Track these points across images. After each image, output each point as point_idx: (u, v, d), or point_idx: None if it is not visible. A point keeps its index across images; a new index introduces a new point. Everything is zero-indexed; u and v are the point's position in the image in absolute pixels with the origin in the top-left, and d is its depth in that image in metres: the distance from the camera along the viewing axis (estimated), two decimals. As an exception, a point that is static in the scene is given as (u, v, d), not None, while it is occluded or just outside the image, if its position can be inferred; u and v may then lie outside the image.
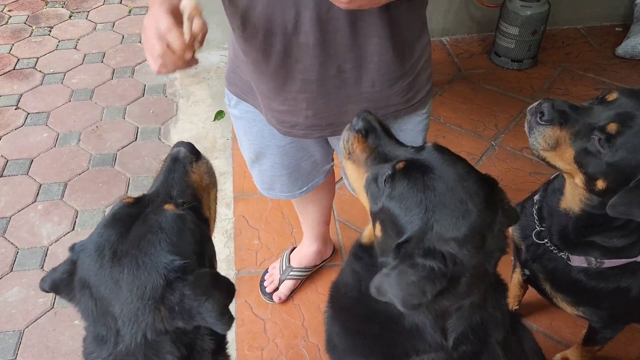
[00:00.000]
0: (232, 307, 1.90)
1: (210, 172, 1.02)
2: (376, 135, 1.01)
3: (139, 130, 2.72)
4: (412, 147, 0.99)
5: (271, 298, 1.93)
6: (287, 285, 1.95)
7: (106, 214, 0.88)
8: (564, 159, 1.14)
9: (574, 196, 1.22)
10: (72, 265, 0.87)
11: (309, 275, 2.00)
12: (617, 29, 3.31)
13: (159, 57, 0.94)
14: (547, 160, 1.17)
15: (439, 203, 0.87)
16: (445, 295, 0.88)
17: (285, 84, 1.22)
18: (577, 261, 1.27)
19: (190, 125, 2.74)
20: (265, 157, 1.50)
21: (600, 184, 1.11)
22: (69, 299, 0.89)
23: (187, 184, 0.96)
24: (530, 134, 1.16)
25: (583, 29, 3.32)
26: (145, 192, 0.97)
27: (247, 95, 1.37)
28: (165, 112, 2.83)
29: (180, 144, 1.00)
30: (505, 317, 1.05)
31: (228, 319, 0.81)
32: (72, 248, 0.90)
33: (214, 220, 1.05)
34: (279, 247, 2.10)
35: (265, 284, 1.96)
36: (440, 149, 0.95)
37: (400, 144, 1.01)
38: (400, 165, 0.93)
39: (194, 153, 1.00)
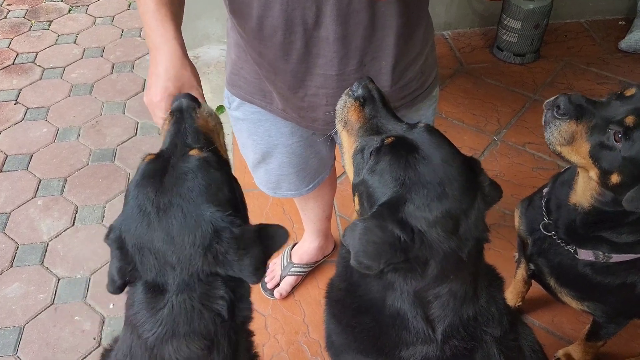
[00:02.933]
0: (233, 303, 1.90)
1: (214, 115, 1.04)
2: (374, 106, 1.00)
3: (139, 125, 2.71)
4: (406, 124, 0.98)
5: (272, 294, 1.92)
6: (288, 282, 1.94)
7: (131, 190, 0.89)
8: (579, 154, 1.13)
9: (585, 191, 1.21)
10: (119, 248, 0.88)
11: (310, 271, 1.99)
12: (620, 22, 3.28)
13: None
14: (562, 154, 1.16)
15: (417, 182, 0.87)
16: (413, 275, 0.89)
17: (304, 81, 1.21)
18: (585, 255, 1.26)
19: (191, 120, 2.72)
20: (272, 157, 1.48)
21: (615, 179, 1.10)
22: (136, 277, 0.88)
23: (198, 130, 0.98)
24: (546, 128, 1.16)
25: (586, 22, 3.30)
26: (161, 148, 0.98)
27: (254, 96, 1.35)
28: (165, 107, 2.82)
29: (179, 96, 1.02)
30: (501, 313, 1.02)
31: (261, 274, 0.86)
32: (108, 234, 0.90)
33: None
34: (279, 243, 2.09)
35: (266, 279, 1.95)
36: (430, 130, 0.95)
37: (396, 118, 1.01)
38: (389, 140, 0.93)
39: (194, 100, 1.02)
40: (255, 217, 2.20)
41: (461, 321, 0.97)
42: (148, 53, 3.20)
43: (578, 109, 1.11)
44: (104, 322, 1.90)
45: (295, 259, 1.96)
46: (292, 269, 1.95)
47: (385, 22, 1.12)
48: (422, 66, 1.29)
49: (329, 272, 2.00)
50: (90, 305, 1.95)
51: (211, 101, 2.80)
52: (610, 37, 3.17)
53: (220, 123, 1.07)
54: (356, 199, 0.97)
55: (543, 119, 1.18)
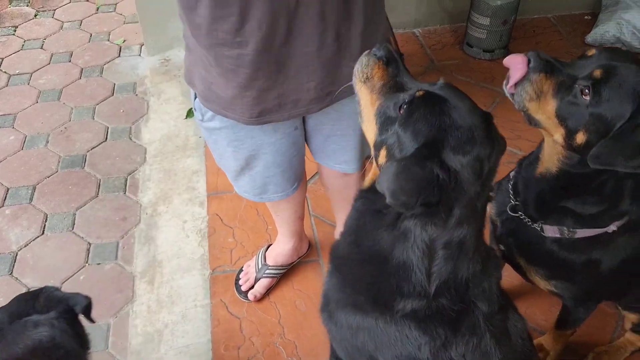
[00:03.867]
0: (207, 307, 1.89)
1: None
2: (397, 65, 1.04)
3: (109, 130, 2.67)
4: (426, 83, 1.03)
5: (247, 297, 1.91)
6: (262, 284, 1.93)
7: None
8: (545, 112, 1.14)
9: (551, 156, 1.22)
10: None
11: (285, 272, 1.98)
12: (586, 17, 3.34)
13: None
14: (529, 112, 1.16)
15: (452, 126, 0.92)
16: (436, 218, 0.92)
17: (286, 64, 1.22)
18: (550, 231, 1.28)
19: (162, 123, 2.70)
20: (257, 159, 1.46)
21: (580, 138, 1.11)
22: None
23: None
24: (517, 86, 1.15)
25: (553, 18, 3.35)
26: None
27: (227, 110, 1.31)
28: (136, 111, 2.78)
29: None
30: (492, 291, 1.05)
31: None
32: None
33: None
34: (253, 245, 2.08)
35: (240, 282, 1.94)
36: (451, 85, 1.00)
37: (414, 78, 1.06)
38: (420, 93, 0.97)
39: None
40: (229, 219, 2.19)
41: (455, 281, 1.00)
42: (117, 57, 3.17)
43: (547, 64, 1.12)
44: (76, 331, 1.86)
45: (269, 261, 1.95)
46: (267, 271, 1.94)
47: None
48: (381, 29, 1.34)
49: (304, 273, 2.00)
50: (61, 314, 1.91)
51: (182, 104, 2.79)
52: (577, 32, 3.22)
53: None
54: (384, 152, 0.99)
55: (505, 81, 1.18)
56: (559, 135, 1.14)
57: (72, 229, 2.20)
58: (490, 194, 1.00)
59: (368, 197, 1.08)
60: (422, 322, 1.03)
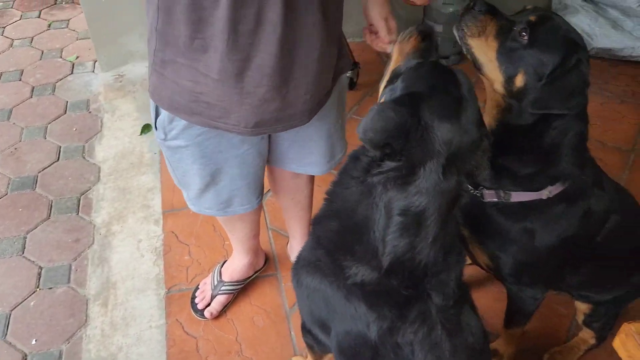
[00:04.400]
0: (162, 328, 1.85)
1: None
2: (430, 42, 1.14)
3: (62, 149, 2.61)
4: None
5: (203, 315, 1.88)
6: (219, 301, 1.90)
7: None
8: (487, 54, 1.23)
9: (492, 109, 1.29)
10: None
11: (242, 288, 1.95)
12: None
13: None
14: (473, 50, 1.25)
15: (442, 91, 0.98)
16: (396, 178, 0.94)
17: (289, 76, 1.21)
18: (489, 196, 1.31)
19: (116, 140, 2.65)
20: (222, 173, 1.44)
21: (519, 81, 1.20)
22: None
23: None
24: (460, 20, 1.27)
25: (506, 23, 3.41)
26: None
27: (219, 120, 1.26)
28: (90, 129, 2.73)
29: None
30: (450, 284, 1.06)
31: None
32: None
33: None
34: (210, 262, 2.05)
35: (196, 300, 1.91)
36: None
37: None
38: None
39: None
40: (185, 236, 2.16)
41: (412, 264, 1.00)
42: (70, 74, 3.11)
43: (492, 8, 1.25)
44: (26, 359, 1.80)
45: (225, 277, 1.92)
46: (223, 288, 1.91)
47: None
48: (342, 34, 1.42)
49: (262, 288, 1.98)
50: (10, 343, 1.85)
51: (137, 120, 2.75)
52: (529, 36, 3.28)
53: None
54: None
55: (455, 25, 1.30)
56: (499, 83, 1.23)
57: (22, 253, 2.14)
58: (464, 192, 1.02)
59: (355, 150, 1.10)
60: (369, 296, 1.03)
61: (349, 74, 2.82)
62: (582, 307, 1.60)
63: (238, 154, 1.40)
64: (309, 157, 1.55)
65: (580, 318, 1.64)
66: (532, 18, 1.19)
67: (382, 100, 1.06)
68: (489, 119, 1.29)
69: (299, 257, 1.20)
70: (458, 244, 1.12)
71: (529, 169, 1.26)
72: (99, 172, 2.49)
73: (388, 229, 0.98)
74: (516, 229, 1.32)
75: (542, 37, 1.17)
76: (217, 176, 1.44)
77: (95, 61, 3.13)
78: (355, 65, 2.79)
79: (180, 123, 1.31)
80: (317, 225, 1.15)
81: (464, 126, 0.97)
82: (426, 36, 1.14)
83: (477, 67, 1.27)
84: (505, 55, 1.20)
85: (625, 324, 0.88)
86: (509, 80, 1.21)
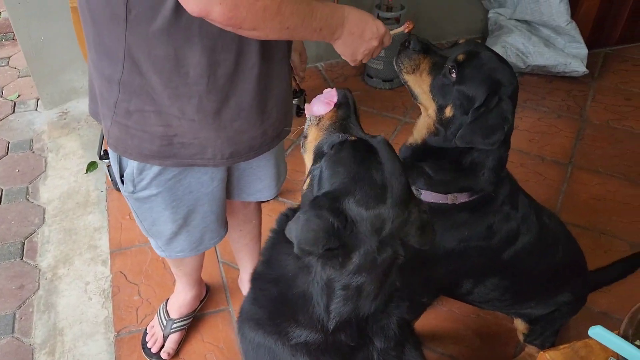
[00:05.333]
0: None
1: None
2: (347, 110, 1.15)
3: (4, 192, 2.54)
4: (368, 134, 1.10)
5: (160, 357, 1.84)
6: (173, 339, 1.87)
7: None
8: (421, 87, 1.35)
9: (422, 129, 1.40)
10: None
11: (192, 324, 1.93)
12: (477, 41, 3.53)
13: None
14: (409, 84, 1.38)
15: (364, 180, 0.97)
16: (334, 261, 0.97)
17: (264, 107, 1.24)
18: None
19: (61, 180, 2.59)
20: (195, 213, 1.42)
21: (449, 112, 1.32)
22: None
23: None
24: (397, 57, 1.38)
25: (447, 43, 3.52)
26: None
27: (195, 158, 1.25)
28: (33, 170, 2.67)
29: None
30: (391, 327, 1.08)
31: None
32: None
33: None
34: (160, 301, 2.02)
35: (148, 345, 1.86)
36: (388, 143, 1.05)
37: (361, 127, 1.16)
38: (353, 138, 1.06)
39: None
40: (134, 276, 2.12)
41: (357, 319, 1.03)
42: (11, 113, 3.04)
43: (425, 46, 1.36)
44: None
45: (174, 315, 1.90)
46: (175, 325, 1.89)
47: None
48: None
49: (214, 324, 1.96)
50: (-49, 401, 1.77)
51: (82, 158, 2.70)
52: (469, 56, 3.40)
53: None
54: (308, 180, 1.06)
55: (395, 58, 1.39)
56: (432, 110, 1.35)
57: (-37, 305, 2.06)
58: (399, 256, 1.03)
59: (286, 218, 1.11)
60: (315, 352, 1.05)
61: (295, 101, 2.85)
62: (520, 327, 1.66)
63: (208, 191, 1.39)
64: (259, 184, 1.56)
65: (520, 337, 1.70)
66: (460, 57, 1.30)
67: (307, 181, 1.06)
68: (417, 136, 1.41)
69: (242, 310, 1.18)
70: (398, 291, 1.13)
71: (443, 176, 1.38)
72: (44, 213, 2.43)
73: (331, 300, 1.01)
74: None
75: (469, 75, 1.28)
76: (190, 217, 1.43)
77: (38, 99, 3.06)
78: (301, 92, 2.83)
79: (151, 171, 1.28)
80: (256, 281, 1.15)
81: (391, 210, 0.98)
82: (341, 105, 1.14)
83: (413, 96, 1.40)
84: (437, 89, 1.32)
85: (541, 352, 0.92)
86: (440, 109, 1.34)
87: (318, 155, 1.08)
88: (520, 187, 1.48)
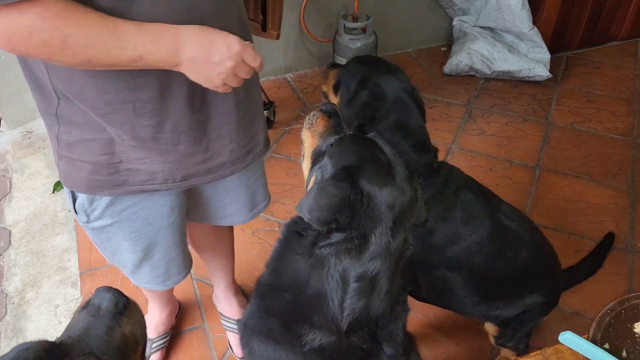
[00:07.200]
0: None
1: (142, 323, 0.92)
2: (338, 119, 1.22)
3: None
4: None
5: (138, 379, 1.80)
6: (155, 359, 1.85)
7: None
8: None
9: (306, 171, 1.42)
10: None
11: (169, 345, 1.90)
12: (442, 49, 3.59)
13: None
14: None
15: (371, 158, 1.02)
16: (350, 246, 0.96)
17: (207, 127, 1.18)
18: None
19: (27, 201, 2.53)
20: (157, 245, 1.37)
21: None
22: None
23: (112, 344, 0.84)
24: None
25: (414, 52, 3.57)
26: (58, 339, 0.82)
27: (145, 184, 1.21)
28: (-3, 191, 2.60)
29: (102, 290, 0.88)
30: (398, 333, 1.08)
31: None
32: None
33: None
34: (133, 321, 1.98)
35: (125, 368, 1.83)
36: (380, 136, 1.14)
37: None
38: (350, 133, 1.13)
39: (122, 299, 0.89)
40: (106, 296, 2.07)
41: (367, 319, 1.02)
42: (-27, 134, 2.96)
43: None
44: None
45: (152, 335, 1.86)
46: (154, 345, 1.86)
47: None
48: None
49: (189, 342, 1.94)
50: None
51: (49, 177, 2.64)
52: (436, 63, 3.45)
53: (145, 332, 0.93)
54: (312, 180, 1.09)
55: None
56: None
57: None
58: (409, 246, 1.05)
59: (293, 223, 1.10)
60: (329, 359, 1.03)
61: (265, 113, 2.85)
62: (490, 330, 1.67)
63: (169, 223, 1.35)
64: (229, 208, 1.52)
65: (491, 340, 1.71)
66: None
67: (311, 180, 1.10)
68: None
69: (246, 327, 1.15)
70: (403, 294, 1.15)
71: None
72: (10, 236, 2.36)
73: (345, 295, 0.99)
74: None
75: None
76: (151, 249, 1.38)
77: (1, 119, 2.99)
78: (271, 104, 2.83)
79: (102, 201, 1.24)
80: (263, 292, 1.13)
81: (401, 187, 1.02)
82: (332, 114, 1.20)
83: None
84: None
85: None
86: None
87: (317, 156, 1.11)
88: (470, 185, 1.53)
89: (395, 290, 1.07)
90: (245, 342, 1.15)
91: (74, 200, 1.27)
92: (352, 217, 0.95)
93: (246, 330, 1.15)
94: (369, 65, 1.57)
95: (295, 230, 1.06)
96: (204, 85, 1.05)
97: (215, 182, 1.33)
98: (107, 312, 0.86)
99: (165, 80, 1.06)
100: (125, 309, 0.89)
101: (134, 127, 1.10)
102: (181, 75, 1.04)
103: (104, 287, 0.90)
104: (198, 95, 1.12)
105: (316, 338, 1.02)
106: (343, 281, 0.98)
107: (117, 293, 0.90)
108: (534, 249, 1.54)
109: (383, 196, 0.97)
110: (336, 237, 0.97)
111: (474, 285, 1.52)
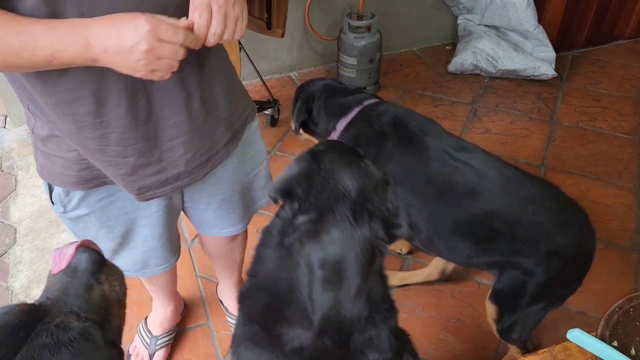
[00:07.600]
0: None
1: (122, 279, 0.89)
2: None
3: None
4: None
5: (148, 376, 1.80)
6: (160, 356, 1.85)
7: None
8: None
9: None
10: None
11: (174, 342, 1.90)
12: (447, 47, 3.58)
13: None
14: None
15: (338, 146, 1.12)
16: (309, 229, 0.95)
17: (157, 138, 1.14)
18: None
19: (32, 198, 2.53)
20: (134, 233, 1.37)
21: None
22: None
23: (92, 302, 0.81)
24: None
25: (418, 50, 3.56)
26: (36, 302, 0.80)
27: (112, 183, 1.23)
28: (3, 188, 2.60)
29: (78, 251, 0.84)
30: (382, 339, 1.04)
31: None
32: None
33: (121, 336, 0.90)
34: (139, 319, 1.98)
35: (134, 367, 1.83)
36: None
37: None
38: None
39: (100, 259, 0.86)
40: (111, 293, 2.07)
41: (338, 319, 0.98)
42: (-21, 131, 2.97)
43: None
44: None
45: (156, 332, 1.86)
46: (159, 342, 1.86)
47: (213, 51, 1.15)
48: (243, 92, 1.38)
49: (194, 339, 1.94)
50: None
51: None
52: (441, 62, 3.44)
53: (125, 289, 0.91)
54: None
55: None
56: None
57: None
58: (381, 242, 1.00)
59: (266, 228, 1.09)
60: None
61: (269, 111, 2.85)
62: (490, 311, 1.61)
63: (147, 215, 1.34)
64: (230, 218, 1.51)
65: (493, 328, 1.64)
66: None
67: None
68: None
69: (234, 337, 1.15)
70: (388, 301, 1.10)
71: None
72: (15, 233, 2.37)
73: (312, 284, 0.96)
74: None
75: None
76: (128, 236, 1.38)
77: (6, 116, 3.00)
78: (275, 102, 2.82)
79: (77, 192, 1.26)
80: (244, 302, 1.13)
81: (364, 170, 1.02)
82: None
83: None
84: None
85: (520, 358, 0.92)
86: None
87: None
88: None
89: (373, 294, 1.02)
90: (233, 350, 1.15)
91: (51, 191, 1.28)
92: (309, 190, 0.96)
93: (234, 340, 1.15)
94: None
95: (267, 230, 1.05)
96: (133, 75, 0.94)
97: (177, 191, 1.31)
98: (84, 271, 0.83)
99: (101, 94, 1.03)
100: (102, 266, 0.86)
101: (80, 138, 1.10)
102: (118, 88, 1.02)
103: (80, 247, 0.86)
104: (142, 107, 1.08)
105: (295, 336, 1.01)
106: (308, 267, 0.95)
107: (93, 252, 0.86)
108: (541, 210, 1.58)
109: (342, 173, 0.99)
110: (300, 220, 0.97)
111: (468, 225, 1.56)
